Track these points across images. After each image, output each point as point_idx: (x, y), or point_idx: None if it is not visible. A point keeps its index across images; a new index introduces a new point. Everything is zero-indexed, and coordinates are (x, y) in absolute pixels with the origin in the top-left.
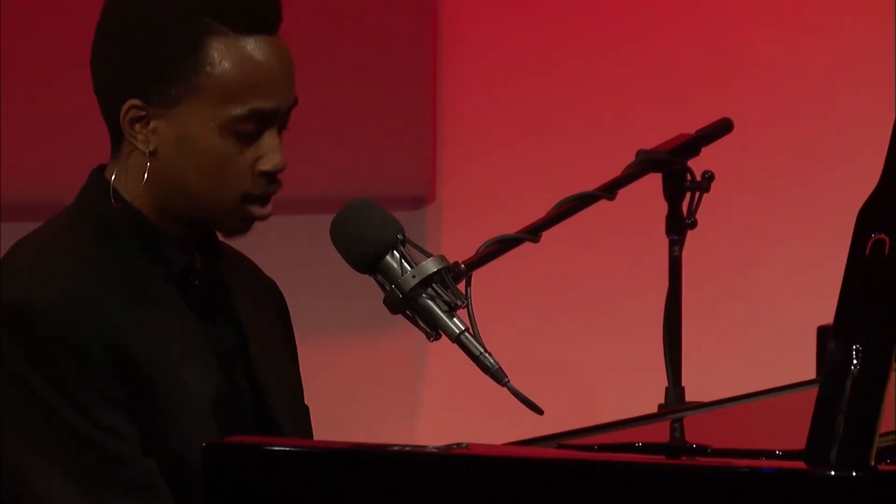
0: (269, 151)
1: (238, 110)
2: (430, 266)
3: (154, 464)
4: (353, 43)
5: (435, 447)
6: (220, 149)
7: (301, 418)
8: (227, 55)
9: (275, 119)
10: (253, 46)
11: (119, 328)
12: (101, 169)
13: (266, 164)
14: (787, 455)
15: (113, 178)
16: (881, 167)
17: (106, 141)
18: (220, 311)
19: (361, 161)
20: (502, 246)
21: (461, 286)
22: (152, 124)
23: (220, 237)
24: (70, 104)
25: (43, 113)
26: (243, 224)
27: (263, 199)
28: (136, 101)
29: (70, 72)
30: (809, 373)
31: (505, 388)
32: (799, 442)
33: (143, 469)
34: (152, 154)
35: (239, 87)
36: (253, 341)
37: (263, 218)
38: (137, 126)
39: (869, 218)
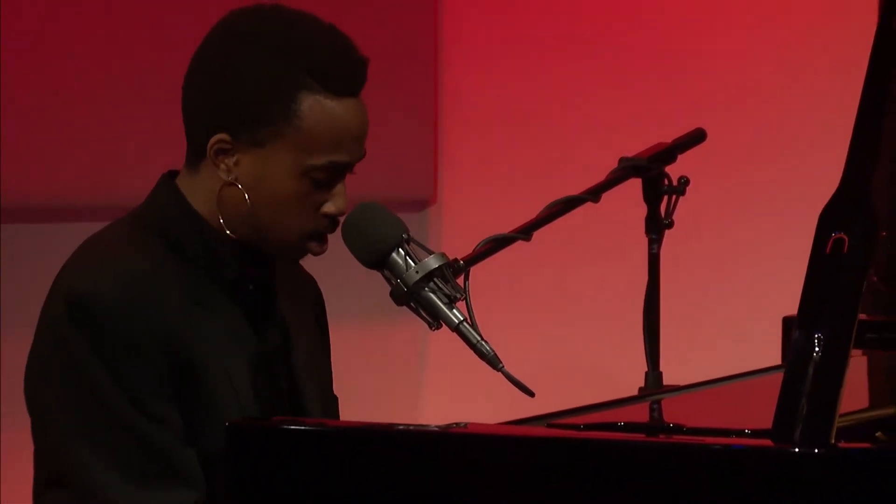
0: (336, 196)
1: (318, 161)
2: (432, 262)
3: (192, 452)
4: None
5: (436, 426)
6: (294, 190)
7: (330, 408)
8: (316, 111)
9: (346, 171)
10: (340, 107)
11: (175, 325)
12: (171, 175)
13: (331, 208)
14: (756, 433)
15: (186, 186)
16: (840, 174)
17: (105, 143)
18: (267, 312)
19: (369, 167)
20: (497, 244)
21: (460, 280)
22: (236, 157)
23: None
24: (71, 106)
25: (44, 114)
26: (299, 257)
27: (322, 238)
28: (225, 136)
29: (71, 73)
30: (775, 359)
31: (500, 373)
32: (766, 422)
33: (179, 457)
34: (231, 183)
35: (321, 141)
36: (295, 339)
37: (321, 253)
38: (222, 156)
39: (829, 219)
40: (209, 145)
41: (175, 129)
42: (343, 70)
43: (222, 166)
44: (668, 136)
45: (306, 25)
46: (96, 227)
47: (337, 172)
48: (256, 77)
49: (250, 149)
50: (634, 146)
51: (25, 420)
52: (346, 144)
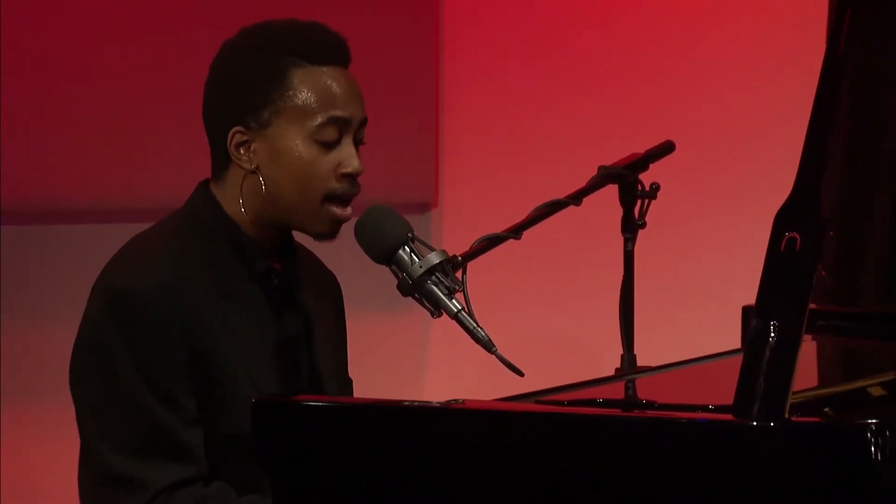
0: (348, 157)
1: (318, 120)
2: (434, 258)
3: (198, 433)
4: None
5: (437, 402)
6: (306, 155)
7: (345, 390)
8: (305, 80)
9: (349, 128)
10: (325, 72)
11: (201, 319)
12: (206, 183)
13: (346, 167)
14: (719, 409)
15: (217, 193)
16: (793, 177)
17: (106, 144)
18: (291, 303)
19: (375, 172)
20: (491, 242)
21: (459, 274)
22: (253, 146)
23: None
24: (71, 107)
25: (44, 115)
26: (330, 227)
27: (344, 200)
28: (238, 128)
29: (72, 74)
30: (736, 343)
31: (493, 356)
32: (728, 398)
33: (183, 436)
34: (254, 171)
35: (316, 102)
36: (316, 328)
37: (345, 219)
38: (241, 149)
39: (784, 220)
40: (229, 142)
41: (176, 130)
42: (323, 44)
43: (244, 158)
44: (642, 138)
45: (285, 21)
46: (96, 228)
47: (340, 129)
48: (251, 70)
49: (261, 132)
50: (630, 147)
51: (25, 419)
52: (339, 101)
